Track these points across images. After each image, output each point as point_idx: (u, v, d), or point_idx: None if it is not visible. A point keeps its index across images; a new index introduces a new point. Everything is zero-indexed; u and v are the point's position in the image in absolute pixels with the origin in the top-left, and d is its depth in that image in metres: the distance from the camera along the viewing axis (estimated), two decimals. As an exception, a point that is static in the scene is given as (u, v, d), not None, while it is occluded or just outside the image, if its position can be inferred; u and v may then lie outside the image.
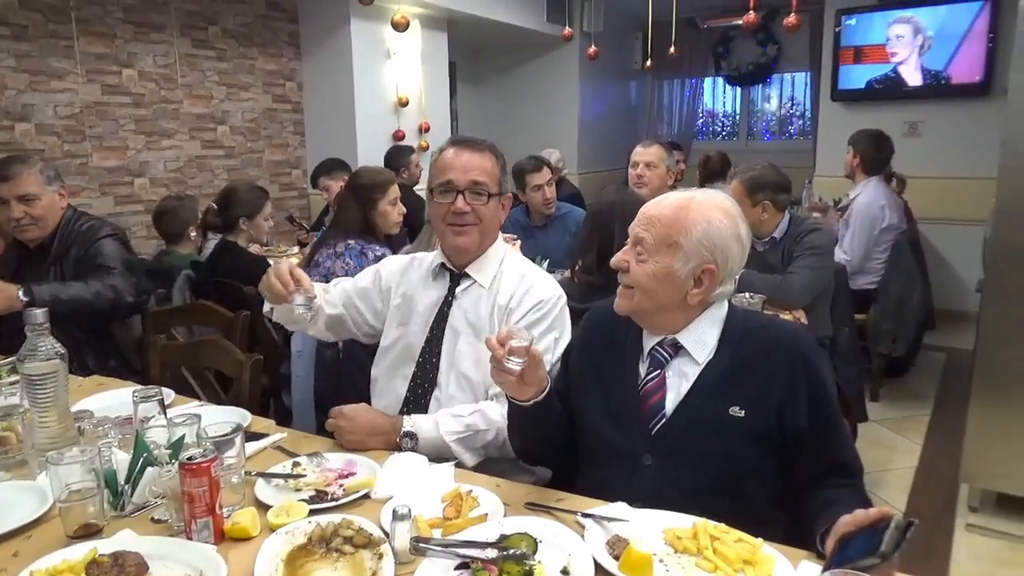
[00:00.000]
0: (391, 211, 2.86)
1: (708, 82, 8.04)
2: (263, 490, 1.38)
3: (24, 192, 2.45)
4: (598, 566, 1.12)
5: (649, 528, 1.22)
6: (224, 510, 1.24)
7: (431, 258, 1.85)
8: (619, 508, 1.27)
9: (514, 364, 1.28)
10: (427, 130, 5.71)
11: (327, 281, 2.01)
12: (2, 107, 3.78)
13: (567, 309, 1.77)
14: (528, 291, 1.73)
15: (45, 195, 2.50)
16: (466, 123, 7.10)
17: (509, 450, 1.58)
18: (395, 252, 2.62)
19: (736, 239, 1.37)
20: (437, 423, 1.61)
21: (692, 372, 1.39)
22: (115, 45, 4.23)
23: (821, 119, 6.11)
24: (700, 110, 8.12)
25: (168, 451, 1.31)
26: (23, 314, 1.49)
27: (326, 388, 2.35)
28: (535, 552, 1.14)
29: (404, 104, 5.48)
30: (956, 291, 5.37)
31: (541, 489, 1.43)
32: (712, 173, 4.84)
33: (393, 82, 5.42)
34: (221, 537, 1.22)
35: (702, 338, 1.40)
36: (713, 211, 1.36)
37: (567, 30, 5.61)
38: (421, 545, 1.14)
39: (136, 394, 1.45)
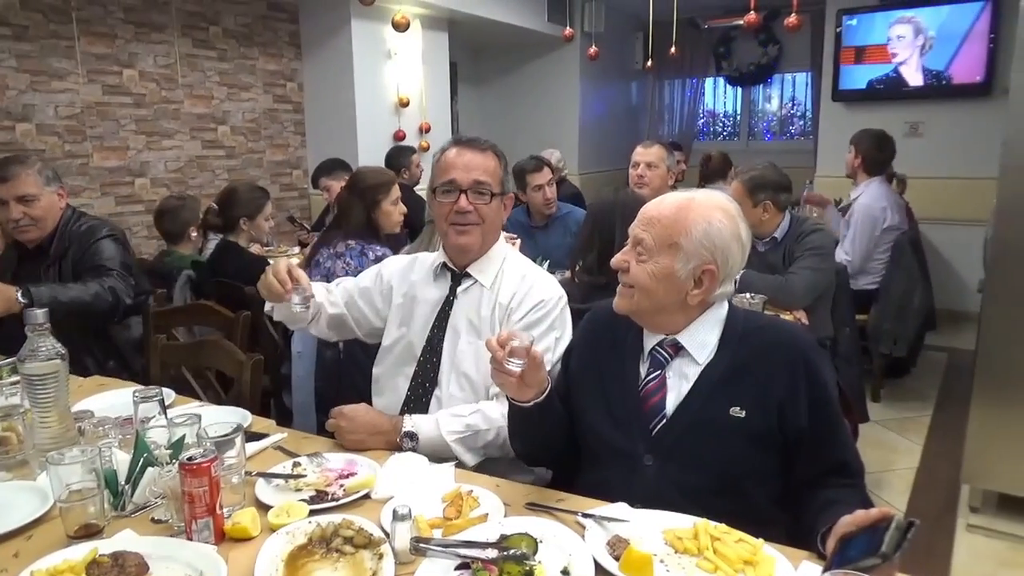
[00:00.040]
0: (393, 211, 2.86)
1: (709, 82, 8.04)
2: (263, 490, 1.38)
3: (23, 193, 2.45)
4: (598, 566, 1.12)
5: (649, 528, 1.22)
6: (224, 510, 1.24)
7: (433, 258, 1.85)
8: (619, 508, 1.27)
9: (514, 365, 1.28)
10: (428, 130, 5.71)
11: (328, 281, 2.01)
12: (3, 107, 3.78)
13: (568, 309, 1.77)
14: (529, 291, 1.73)
15: (44, 196, 2.49)
16: (467, 123, 7.10)
17: (510, 450, 1.58)
18: (396, 252, 2.62)
19: (736, 239, 1.37)
20: (437, 423, 1.61)
21: (692, 372, 1.39)
22: (116, 45, 4.24)
23: (822, 119, 6.11)
24: (701, 110, 8.11)
25: (168, 451, 1.31)
26: (24, 314, 1.48)
27: (327, 388, 2.36)
28: (535, 552, 1.14)
29: (405, 104, 5.49)
30: (957, 291, 5.37)
31: (541, 489, 1.43)
32: (713, 173, 4.85)
33: (394, 82, 5.43)
34: (221, 537, 1.22)
35: (702, 338, 1.40)
36: (713, 211, 1.36)
37: (568, 30, 5.62)
38: (421, 545, 1.14)
39: (136, 394, 1.45)
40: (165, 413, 1.46)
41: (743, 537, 1.17)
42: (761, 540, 1.16)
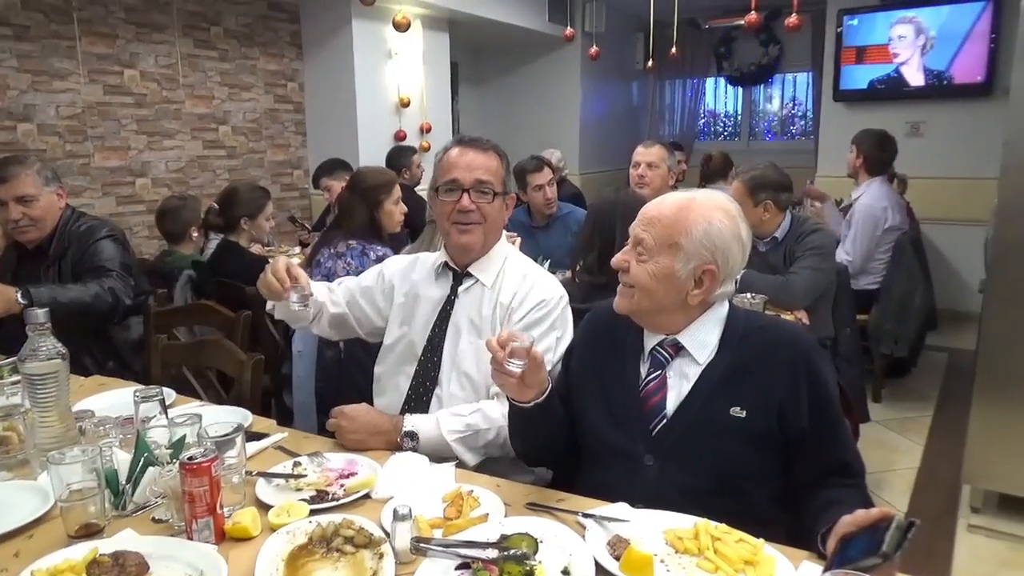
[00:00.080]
0: (395, 211, 2.88)
1: (710, 82, 8.03)
2: (264, 490, 1.38)
3: (22, 193, 2.44)
4: (599, 566, 1.12)
5: (650, 528, 1.22)
6: (225, 510, 1.24)
7: (435, 258, 1.85)
8: (620, 508, 1.27)
9: (515, 366, 1.28)
10: (428, 130, 5.71)
11: (329, 281, 2.01)
12: (4, 107, 3.79)
13: (569, 309, 1.77)
14: (530, 291, 1.73)
15: (43, 196, 2.49)
16: (467, 123, 7.10)
17: (510, 449, 1.58)
18: (397, 252, 2.63)
19: (737, 239, 1.37)
20: (438, 422, 1.61)
21: (693, 372, 1.39)
22: (117, 45, 4.24)
23: (823, 119, 6.11)
24: (702, 110, 8.11)
25: (169, 451, 1.31)
26: (24, 314, 1.49)
27: (327, 388, 2.36)
28: (536, 552, 1.14)
29: (405, 104, 5.49)
30: (958, 291, 5.37)
31: (542, 489, 1.43)
32: (714, 173, 4.84)
33: (395, 82, 5.43)
34: (222, 537, 1.22)
35: (703, 338, 1.40)
36: (714, 211, 1.36)
37: (569, 30, 5.61)
38: (422, 545, 1.14)
39: (137, 394, 1.45)
40: (166, 413, 1.46)
41: (744, 537, 1.17)
42: (762, 540, 1.16)
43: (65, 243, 2.54)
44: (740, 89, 7.92)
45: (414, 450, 1.58)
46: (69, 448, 1.29)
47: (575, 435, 1.52)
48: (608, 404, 1.45)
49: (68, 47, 4.01)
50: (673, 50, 5.43)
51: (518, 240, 2.68)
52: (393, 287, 1.87)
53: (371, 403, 1.76)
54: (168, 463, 1.27)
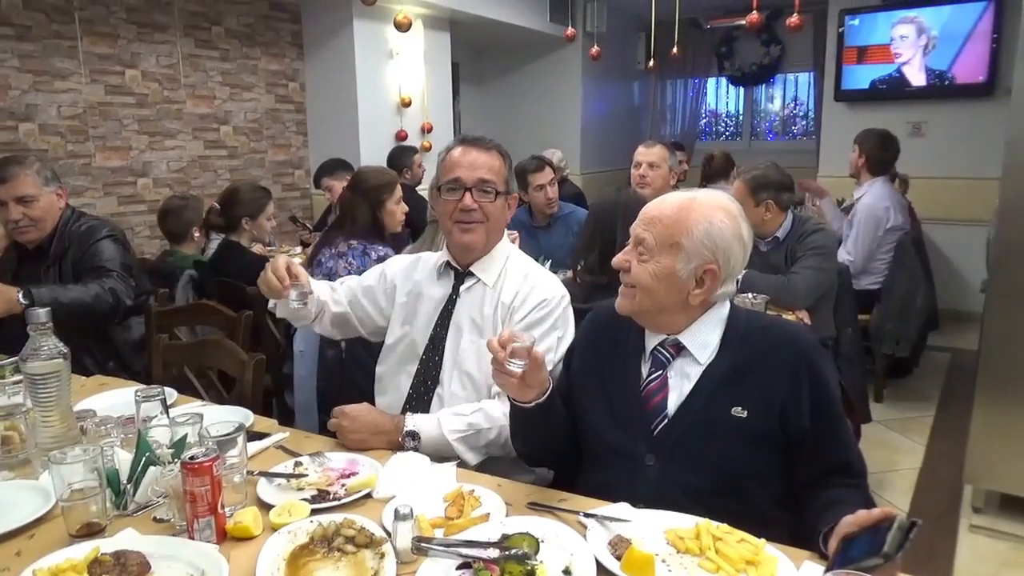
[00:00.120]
0: (396, 210, 2.89)
1: (711, 82, 8.03)
2: (265, 489, 1.38)
3: (22, 194, 2.43)
4: (600, 566, 1.12)
5: (651, 528, 1.22)
6: (226, 509, 1.24)
7: (437, 257, 1.86)
8: (621, 508, 1.27)
9: (515, 366, 1.28)
10: (430, 130, 5.71)
11: (330, 281, 2.01)
12: (6, 107, 3.79)
13: (571, 309, 1.77)
14: (532, 290, 1.73)
15: (43, 196, 2.48)
16: (469, 123, 7.10)
17: (511, 449, 1.58)
18: (398, 252, 2.63)
19: (738, 239, 1.37)
20: (439, 422, 1.61)
21: (694, 372, 1.39)
22: (118, 45, 4.24)
23: (824, 119, 6.10)
24: (703, 110, 8.10)
25: (170, 450, 1.31)
26: (26, 314, 1.49)
27: (329, 388, 2.36)
28: (537, 552, 1.14)
29: (407, 104, 5.49)
30: (960, 291, 5.36)
31: (543, 489, 1.43)
32: (715, 173, 4.84)
33: (396, 82, 5.43)
34: (223, 536, 1.22)
35: (704, 338, 1.40)
36: (715, 211, 1.36)
37: (570, 30, 5.61)
38: (423, 545, 1.14)
39: (139, 393, 1.45)
40: (167, 412, 1.46)
41: (745, 537, 1.16)
42: (763, 540, 1.16)
43: (65, 243, 2.53)
44: (741, 89, 7.92)
45: (415, 450, 1.58)
46: (70, 447, 1.29)
47: (576, 435, 1.52)
48: (609, 404, 1.45)
49: (69, 47, 4.01)
50: (674, 50, 5.43)
51: (517, 238, 2.68)
52: (395, 287, 1.87)
53: (372, 403, 1.76)
54: (169, 463, 1.27)
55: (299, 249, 4.33)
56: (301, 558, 1.14)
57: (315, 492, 1.38)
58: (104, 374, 2.24)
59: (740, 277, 1.44)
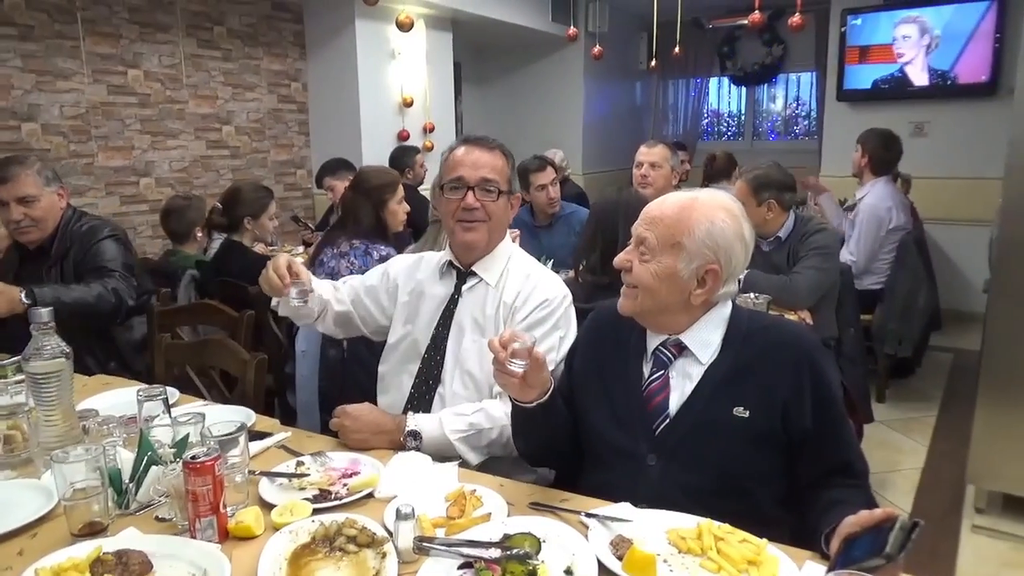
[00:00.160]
0: (399, 210, 2.90)
1: (713, 82, 8.02)
2: (267, 489, 1.38)
3: (23, 194, 2.43)
4: (602, 566, 1.12)
5: (653, 528, 1.22)
6: (228, 509, 1.24)
7: (439, 256, 1.86)
8: (623, 508, 1.27)
9: (516, 366, 1.28)
10: (431, 130, 5.71)
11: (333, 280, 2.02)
12: (9, 107, 3.80)
13: (573, 309, 1.77)
14: (534, 290, 1.73)
15: (44, 196, 2.48)
16: (471, 123, 7.10)
17: (513, 448, 1.58)
18: (400, 251, 2.63)
19: (739, 239, 1.37)
20: (441, 422, 1.61)
21: (696, 373, 1.39)
22: (121, 45, 4.25)
23: (827, 119, 6.10)
24: (705, 110, 8.10)
25: (172, 450, 1.31)
26: (28, 313, 1.49)
27: (330, 388, 2.36)
28: (538, 552, 1.14)
29: (409, 104, 5.49)
30: (962, 291, 5.35)
31: (545, 489, 1.43)
32: (717, 173, 4.84)
33: (398, 82, 5.43)
34: (225, 536, 1.22)
35: (706, 338, 1.40)
36: (716, 211, 1.36)
37: (572, 30, 5.61)
38: (424, 544, 1.14)
39: (141, 393, 1.45)
40: (169, 412, 1.46)
41: (747, 537, 1.16)
42: (765, 540, 1.16)
43: (67, 243, 2.53)
44: (744, 89, 7.91)
45: (417, 449, 1.58)
46: (73, 447, 1.29)
47: (578, 435, 1.52)
48: (611, 404, 1.44)
49: (72, 47, 4.02)
50: (676, 50, 5.42)
51: (519, 235, 2.69)
52: (397, 286, 1.88)
53: (374, 402, 1.76)
54: (171, 462, 1.28)
55: (301, 249, 4.34)
56: (303, 558, 1.14)
57: (317, 492, 1.38)
58: (106, 374, 2.25)
59: (742, 277, 1.43)
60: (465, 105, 7.09)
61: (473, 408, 1.65)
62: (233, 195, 3.36)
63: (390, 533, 1.19)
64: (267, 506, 1.32)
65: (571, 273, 2.62)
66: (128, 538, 1.19)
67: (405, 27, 5.03)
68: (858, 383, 3.14)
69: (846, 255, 3.89)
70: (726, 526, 1.19)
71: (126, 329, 2.66)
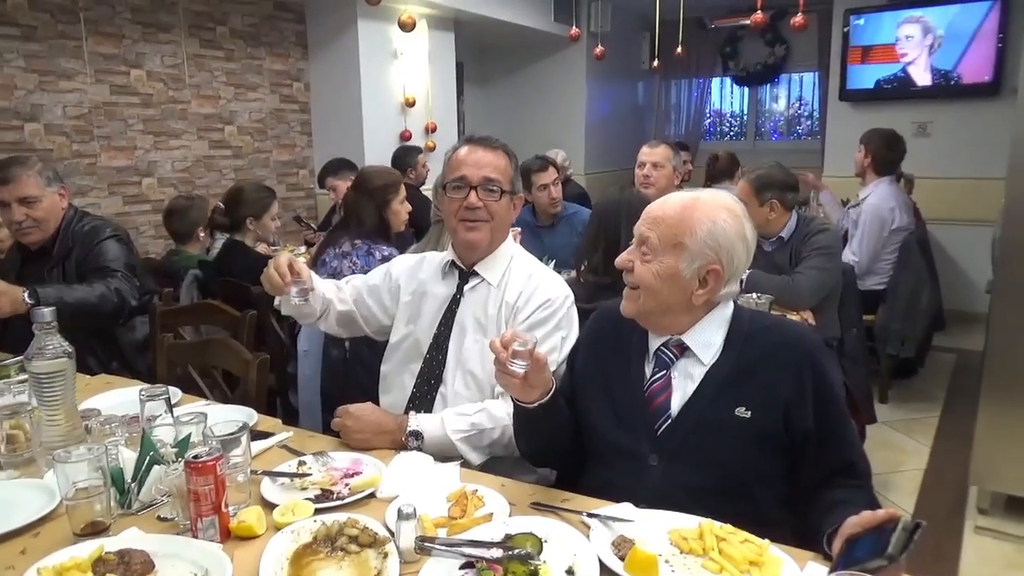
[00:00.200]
0: (401, 210, 2.90)
1: (716, 82, 8.02)
2: (269, 489, 1.38)
3: (24, 194, 2.43)
4: (603, 566, 1.12)
5: (655, 529, 1.21)
6: (230, 508, 1.24)
7: (441, 256, 1.86)
8: (625, 508, 1.27)
9: (517, 367, 1.28)
10: (434, 130, 5.72)
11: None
12: (11, 107, 3.80)
13: (575, 309, 1.77)
14: (536, 290, 1.73)
15: (45, 196, 2.48)
16: (473, 123, 7.10)
17: (515, 449, 1.58)
18: (402, 251, 2.63)
19: (741, 239, 1.36)
20: (443, 422, 1.61)
21: (698, 373, 1.38)
22: (123, 45, 4.25)
23: (829, 119, 6.09)
24: (707, 110, 8.09)
25: (174, 449, 1.31)
26: (31, 313, 1.49)
27: (332, 387, 2.36)
28: (540, 552, 1.14)
29: (411, 104, 5.49)
30: (965, 292, 5.34)
31: (546, 489, 1.43)
32: (719, 173, 4.84)
33: (400, 82, 5.43)
34: (227, 535, 1.22)
35: (708, 339, 1.39)
36: (718, 211, 1.36)
37: (574, 30, 5.61)
38: (426, 544, 1.14)
39: (143, 393, 1.45)
40: (171, 411, 1.46)
41: (749, 538, 1.16)
42: (767, 541, 1.15)
43: (69, 244, 2.53)
44: (746, 89, 7.90)
45: (419, 449, 1.58)
46: (75, 446, 1.29)
47: (580, 435, 1.52)
48: (613, 404, 1.44)
49: (75, 47, 4.02)
50: (679, 50, 5.42)
51: (519, 234, 2.68)
52: (399, 286, 1.88)
53: (376, 402, 1.77)
54: (173, 462, 1.28)
55: (303, 249, 4.34)
56: (304, 557, 1.14)
57: (319, 491, 1.38)
58: (108, 373, 2.25)
59: (744, 277, 1.43)
60: (467, 105, 7.09)
61: (475, 408, 1.65)
62: (235, 195, 3.36)
63: (392, 533, 1.19)
64: (269, 506, 1.32)
65: (573, 273, 2.62)
66: (130, 538, 1.19)
67: (407, 27, 5.03)
68: (861, 383, 3.13)
69: (849, 255, 3.88)
70: (728, 526, 1.19)
71: (128, 329, 2.66)
